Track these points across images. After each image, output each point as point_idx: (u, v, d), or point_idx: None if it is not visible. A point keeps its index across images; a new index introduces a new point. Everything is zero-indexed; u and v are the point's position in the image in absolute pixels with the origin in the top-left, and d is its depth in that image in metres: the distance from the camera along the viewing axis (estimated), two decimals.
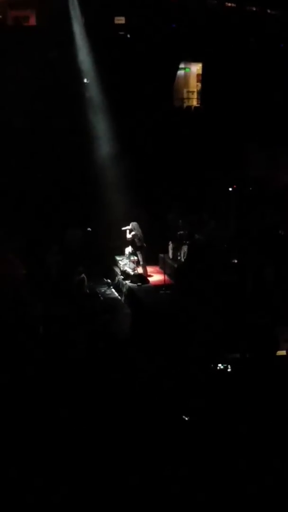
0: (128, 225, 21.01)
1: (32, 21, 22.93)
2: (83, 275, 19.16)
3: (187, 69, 27.86)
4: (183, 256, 20.85)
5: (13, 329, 14.84)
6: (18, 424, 10.66)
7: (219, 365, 13.13)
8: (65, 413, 10.91)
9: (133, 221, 21.07)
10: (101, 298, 19.85)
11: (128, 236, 21.00)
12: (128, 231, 21.01)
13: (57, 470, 9.48)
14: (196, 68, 27.68)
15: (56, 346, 14.36)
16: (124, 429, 10.41)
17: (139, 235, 20.91)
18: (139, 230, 20.98)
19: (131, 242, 21.07)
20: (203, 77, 26.88)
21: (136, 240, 20.93)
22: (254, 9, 23.30)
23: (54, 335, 15.04)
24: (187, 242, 20.88)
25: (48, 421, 10.72)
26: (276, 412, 10.68)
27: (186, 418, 10.71)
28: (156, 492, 8.97)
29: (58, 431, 10.45)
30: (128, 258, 21.25)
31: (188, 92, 27.92)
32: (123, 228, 21.09)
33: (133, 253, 21.14)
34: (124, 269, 21.17)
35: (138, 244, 20.97)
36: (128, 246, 21.28)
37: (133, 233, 20.89)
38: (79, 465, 9.55)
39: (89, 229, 22.21)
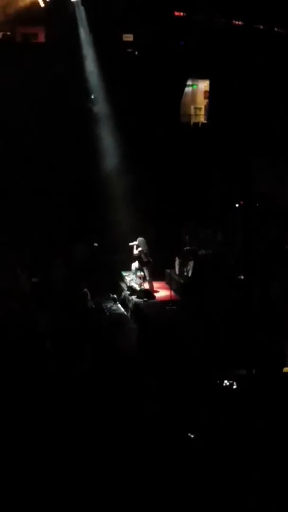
0: (135, 240, 21.07)
1: (41, 38, 23.12)
2: (85, 289, 19.16)
3: (194, 86, 28.00)
4: (190, 271, 20.85)
5: (19, 342, 14.87)
6: (22, 436, 10.66)
7: (225, 381, 13.12)
8: (70, 426, 10.92)
9: (140, 236, 21.11)
10: (107, 313, 19.85)
11: (135, 251, 21.04)
12: (135, 246, 21.05)
13: (57, 483, 9.47)
14: (203, 85, 27.81)
15: (63, 360, 14.37)
16: (128, 445, 10.40)
17: (145, 251, 20.95)
18: (146, 245, 21.02)
19: (138, 258, 21.10)
20: (211, 94, 27.01)
21: (142, 255, 20.97)
22: (261, 27, 23.41)
23: (60, 349, 15.05)
24: (194, 257, 20.90)
25: (52, 433, 10.72)
26: (282, 429, 10.66)
27: (192, 436, 10.69)
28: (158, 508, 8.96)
29: (62, 444, 10.45)
30: (135, 273, 21.28)
31: (195, 108, 28.06)
32: (130, 244, 21.13)
33: (139, 269, 21.16)
34: (131, 284, 21.19)
35: (145, 259, 21.00)
36: (134, 261, 21.31)
37: (139, 249, 20.93)
38: (81, 479, 9.54)
39: (95, 244, 22.27)
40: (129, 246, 21.19)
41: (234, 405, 12.12)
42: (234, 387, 12.95)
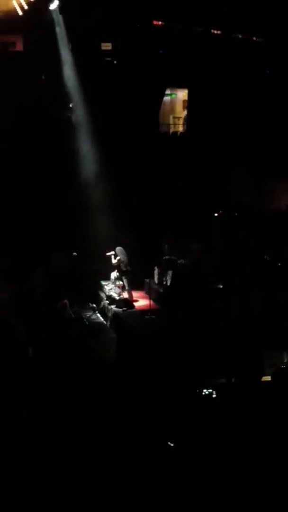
0: (112, 250, 20.99)
1: (19, 46, 22.99)
2: (65, 300, 19.10)
3: (173, 95, 28.03)
4: (169, 281, 20.83)
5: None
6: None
7: (204, 390, 13.05)
8: (50, 436, 10.80)
9: (118, 245, 21.06)
10: (86, 322, 19.79)
11: (114, 261, 20.98)
12: (113, 256, 20.98)
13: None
14: (182, 94, 27.86)
15: (42, 370, 14.27)
16: (108, 455, 10.30)
17: (123, 260, 20.88)
18: (125, 254, 20.96)
19: (117, 267, 21.04)
20: (189, 103, 27.08)
21: (121, 265, 20.92)
22: (239, 36, 23.51)
23: (40, 359, 14.95)
24: (173, 267, 20.89)
25: (34, 442, 10.60)
26: (261, 437, 10.60)
27: (172, 445, 10.60)
28: None
29: (43, 454, 10.34)
30: (114, 283, 21.23)
31: (174, 118, 28.08)
32: (107, 254, 21.05)
33: (118, 278, 21.12)
34: (110, 294, 21.14)
35: (124, 269, 20.95)
36: (113, 271, 21.25)
37: (118, 257, 20.87)
38: (65, 488, 9.42)
39: (74, 253, 22.19)
40: (106, 256, 21.12)
41: (213, 414, 12.06)
42: (214, 396, 12.89)
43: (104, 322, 20.74)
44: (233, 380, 13.85)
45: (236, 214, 24.26)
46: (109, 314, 20.57)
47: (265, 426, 10.82)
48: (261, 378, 13.89)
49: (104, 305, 21.32)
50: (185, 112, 27.60)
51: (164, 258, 21.71)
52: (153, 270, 22.11)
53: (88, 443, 10.61)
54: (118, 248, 20.94)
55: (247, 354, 14.66)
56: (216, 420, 11.45)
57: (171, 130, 27.68)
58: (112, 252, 20.96)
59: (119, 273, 21.08)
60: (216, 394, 12.83)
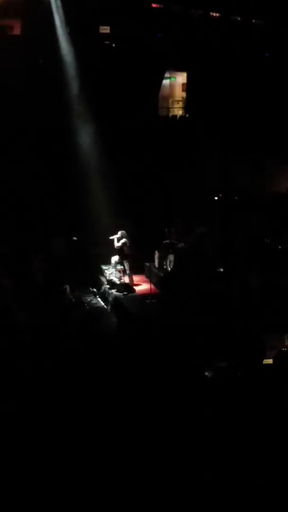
0: (115, 234, 20.97)
1: (17, 30, 22.91)
2: (66, 285, 19.11)
3: (172, 78, 27.94)
4: (169, 265, 20.83)
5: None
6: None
7: (206, 373, 13.09)
8: (54, 420, 10.85)
9: (118, 229, 21.01)
10: (87, 307, 19.81)
11: (117, 244, 20.90)
12: (116, 239, 20.93)
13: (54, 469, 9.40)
14: (181, 77, 27.77)
15: (43, 355, 14.31)
16: (115, 438, 10.34)
17: (128, 243, 20.84)
18: (128, 238, 20.91)
19: (119, 251, 20.98)
20: (188, 86, 26.99)
21: (125, 248, 20.86)
22: (238, 18, 23.41)
23: (41, 344, 14.97)
24: (173, 250, 20.88)
25: (38, 426, 10.65)
26: (263, 420, 10.65)
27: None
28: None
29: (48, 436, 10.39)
30: (114, 267, 21.22)
31: (173, 101, 28.01)
32: (111, 237, 21.00)
33: (119, 262, 21.11)
34: (110, 278, 21.13)
35: (127, 252, 20.91)
36: (114, 255, 21.23)
37: (122, 241, 20.81)
38: (75, 467, 9.47)
39: (74, 238, 22.19)
40: (109, 240, 21.06)
41: (217, 396, 12.11)
42: (216, 379, 12.94)
43: (105, 306, 20.76)
44: (234, 363, 13.92)
45: (236, 197, 24.22)
46: (110, 299, 20.58)
47: (266, 407, 10.86)
48: (262, 361, 13.96)
49: (104, 290, 21.32)
50: (184, 95, 27.52)
51: (164, 242, 21.69)
52: (154, 254, 22.11)
53: (90, 425, 10.65)
54: (122, 232, 20.90)
55: (248, 337, 14.75)
56: (221, 403, 11.50)
57: (171, 114, 27.62)
58: (116, 236, 20.91)
59: (120, 257, 21.04)
60: (219, 377, 12.89)
